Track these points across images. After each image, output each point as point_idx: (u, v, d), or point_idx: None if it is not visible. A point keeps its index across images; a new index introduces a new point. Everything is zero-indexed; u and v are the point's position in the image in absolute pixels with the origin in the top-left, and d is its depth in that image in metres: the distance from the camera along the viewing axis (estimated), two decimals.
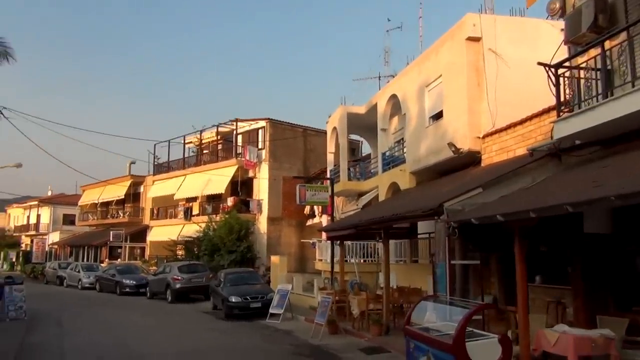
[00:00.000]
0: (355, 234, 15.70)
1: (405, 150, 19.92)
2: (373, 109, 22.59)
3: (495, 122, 14.25)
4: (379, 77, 26.87)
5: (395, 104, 20.75)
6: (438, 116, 16.74)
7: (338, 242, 18.21)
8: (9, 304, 17.07)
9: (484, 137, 14.44)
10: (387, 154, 21.52)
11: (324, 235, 25.02)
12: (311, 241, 25.84)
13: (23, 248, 59.63)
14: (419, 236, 18.39)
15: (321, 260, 23.84)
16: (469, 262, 10.12)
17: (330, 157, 26.14)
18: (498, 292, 12.40)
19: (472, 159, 14.89)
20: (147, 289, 26.03)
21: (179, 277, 23.53)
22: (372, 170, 24.97)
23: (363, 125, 25.17)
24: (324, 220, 26.98)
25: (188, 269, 24.35)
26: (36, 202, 60.91)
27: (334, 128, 24.98)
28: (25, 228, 62.45)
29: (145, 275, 28.77)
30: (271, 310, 17.05)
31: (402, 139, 21.96)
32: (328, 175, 24.40)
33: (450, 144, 14.76)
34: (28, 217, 63.34)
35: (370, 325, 13.62)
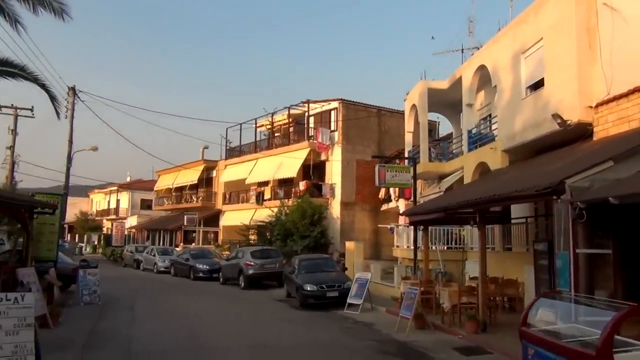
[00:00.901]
0: (443, 218, 14.12)
1: (495, 126, 18.01)
2: (457, 83, 20.74)
3: (611, 88, 12.20)
4: (462, 49, 24.82)
5: (483, 76, 18.82)
6: (537, 85, 14.79)
7: (421, 227, 16.67)
8: (83, 288, 16.84)
9: (596, 106, 12.43)
10: (474, 131, 19.64)
11: (401, 220, 23.53)
12: (389, 226, 24.38)
13: (104, 232, 61.81)
14: (512, 221, 16.56)
15: (399, 246, 22.36)
16: (599, 252, 8.36)
17: (408, 137, 24.49)
18: (617, 286, 10.53)
19: (581, 132, 12.90)
20: (220, 274, 25.57)
21: (252, 263, 22.81)
22: (454, 151, 23.14)
23: (444, 102, 23.35)
24: (401, 204, 25.44)
25: (261, 255, 23.59)
26: (116, 188, 62.94)
27: (413, 105, 23.28)
28: (106, 212, 64.79)
29: (218, 260, 28.38)
30: (349, 300, 15.84)
31: (490, 114, 20.03)
32: (406, 159, 22.77)
33: (556, 116, 12.82)
34: (108, 202, 65.68)
35: (463, 320, 12.11)
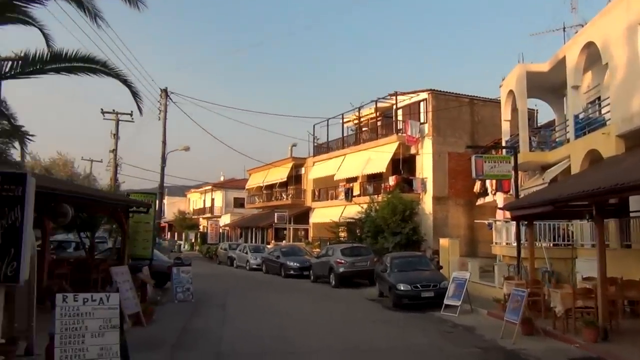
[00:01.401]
0: (550, 212, 12.73)
1: (607, 109, 16.20)
2: (560, 64, 18.97)
3: None
4: (564, 27, 22.77)
5: (591, 54, 17.02)
6: None
7: (525, 222, 15.27)
8: (177, 285, 17.03)
9: None
10: (581, 116, 17.83)
11: (499, 214, 21.99)
12: (487, 222, 22.91)
13: (201, 230, 64.07)
14: (631, 214, 14.77)
15: (498, 243, 20.88)
16: None
17: (505, 126, 22.88)
18: None
19: None
20: (311, 271, 25.28)
21: (342, 261, 22.26)
22: (557, 139, 21.27)
23: (545, 86, 21.54)
24: (499, 198, 23.81)
25: (351, 252, 22.99)
26: (210, 187, 65.08)
27: (510, 92, 21.66)
28: (201, 211, 67.22)
29: (309, 258, 28.14)
30: (446, 301, 14.82)
31: (599, 97, 18.12)
32: (504, 148, 21.21)
33: None
34: (204, 201, 68.09)
35: (579, 326, 10.78)
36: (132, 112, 37.26)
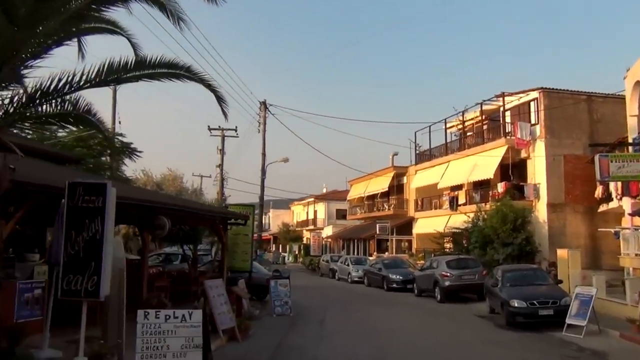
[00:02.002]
0: None
1: None
2: None
3: None
4: None
5: None
6: None
7: None
8: (275, 299, 16.67)
9: None
10: None
11: (627, 221, 19.55)
12: (613, 230, 20.47)
13: (304, 242, 64.54)
14: None
15: (627, 254, 18.49)
16: None
17: (631, 122, 20.35)
18: None
19: None
20: (414, 285, 24.04)
21: (448, 274, 20.86)
22: None
23: None
24: (626, 203, 21.21)
25: (457, 264, 21.52)
26: (312, 199, 65.47)
27: (637, 83, 19.25)
28: (305, 223, 67.73)
29: (412, 270, 26.88)
30: (569, 321, 13.10)
31: None
32: (632, 145, 18.81)
33: None
34: (307, 213, 68.61)
35: None
36: (236, 127, 38.35)
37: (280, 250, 68.34)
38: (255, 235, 31.21)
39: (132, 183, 24.13)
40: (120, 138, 22.90)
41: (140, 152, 24.79)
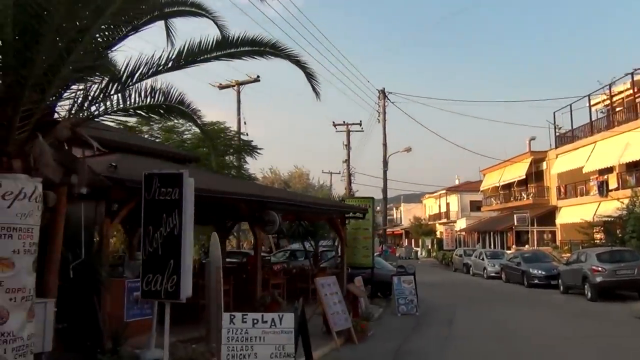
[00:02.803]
0: None
1: None
2: None
3: None
4: None
5: None
6: None
7: None
8: (398, 297, 15.50)
9: None
10: None
11: None
12: None
13: (437, 235, 62.23)
14: None
15: None
16: None
17: None
18: None
19: None
20: (559, 280, 21.42)
21: (600, 268, 18.15)
22: None
23: None
24: None
25: (611, 257, 18.67)
26: (444, 192, 62.92)
27: None
28: (437, 216, 65.36)
29: (556, 264, 24.09)
30: None
31: None
32: None
33: None
34: (439, 206, 66.16)
35: None
36: (360, 121, 37.75)
37: (413, 245, 66.55)
38: (379, 229, 30.27)
39: (255, 180, 24.28)
40: (240, 136, 23.13)
41: (260, 149, 25.00)
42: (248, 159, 23.70)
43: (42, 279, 8.02)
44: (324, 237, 19.79)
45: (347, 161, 40.00)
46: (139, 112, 7.82)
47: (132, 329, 9.34)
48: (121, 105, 7.33)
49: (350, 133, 39.09)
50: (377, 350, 10.40)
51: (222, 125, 22.78)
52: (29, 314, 5.68)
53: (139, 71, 6.97)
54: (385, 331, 12.44)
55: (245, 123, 33.04)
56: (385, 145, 26.83)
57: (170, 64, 6.80)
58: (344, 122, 39.31)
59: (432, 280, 26.26)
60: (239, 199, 11.62)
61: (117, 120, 7.36)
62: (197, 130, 23.34)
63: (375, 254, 25.62)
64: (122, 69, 6.99)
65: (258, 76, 32.37)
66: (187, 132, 22.87)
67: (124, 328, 8.09)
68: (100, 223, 9.13)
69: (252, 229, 12.60)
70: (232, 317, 6.05)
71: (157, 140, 21.89)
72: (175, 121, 22.91)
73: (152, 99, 7.96)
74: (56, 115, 6.86)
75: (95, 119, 6.93)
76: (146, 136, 22.27)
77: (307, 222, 18.24)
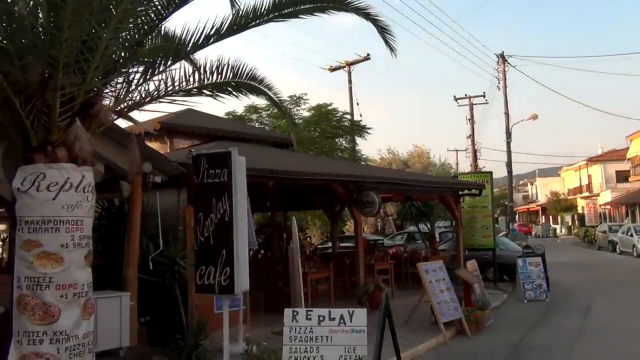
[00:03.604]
0: None
1: None
2: None
3: None
4: None
5: None
6: None
7: None
8: (524, 281, 13.80)
9: None
10: None
11: None
12: None
13: (579, 211, 56.96)
14: None
15: None
16: None
17: None
18: None
19: None
20: None
21: None
22: None
23: None
24: None
25: None
26: (585, 162, 57.39)
27: None
28: (577, 190, 59.85)
29: None
30: None
31: None
32: None
33: None
34: (579, 178, 60.50)
35: None
36: (484, 93, 35.22)
37: (551, 222, 61.62)
38: (506, 206, 27.76)
39: (368, 162, 23.42)
40: (348, 116, 22.35)
41: (369, 128, 24.04)
42: (363, 140, 22.95)
43: (120, 272, 7.92)
44: (440, 217, 18.41)
45: (472, 136, 37.68)
46: (203, 91, 7.30)
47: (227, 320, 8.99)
48: (178, 85, 6.85)
49: (474, 106, 36.87)
50: (492, 343, 9.08)
51: (329, 107, 22.12)
52: (85, 311, 5.32)
53: (194, 39, 6.40)
54: (506, 321, 10.99)
55: (358, 104, 32.29)
56: (507, 114, 24.50)
57: (225, 30, 6.11)
58: (465, 95, 37.08)
59: (571, 260, 23.64)
60: (333, 180, 10.83)
61: (178, 102, 6.80)
62: (305, 114, 23.12)
63: (501, 234, 23.71)
64: (177, 38, 6.46)
65: (368, 54, 31.35)
66: (295, 117, 22.57)
67: (206, 320, 7.69)
68: (182, 212, 8.89)
69: (350, 211, 11.76)
70: (294, 313, 5.25)
71: (265, 127, 21.85)
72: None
73: (220, 76, 7.42)
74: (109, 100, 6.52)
75: (148, 103, 6.47)
76: (256, 124, 22.34)
77: (420, 202, 17.05)
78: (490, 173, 16.20)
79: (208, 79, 7.25)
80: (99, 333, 6.80)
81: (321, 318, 5.17)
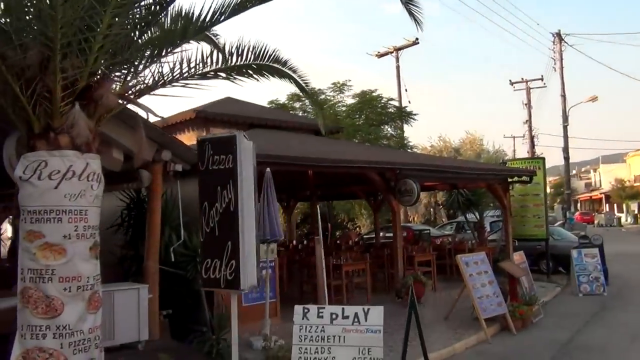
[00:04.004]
0: None
1: None
2: None
3: None
4: None
5: None
6: None
7: None
8: (579, 274, 12.86)
9: None
10: None
11: None
12: None
13: None
14: None
15: None
16: None
17: None
18: None
19: None
20: None
21: None
22: None
23: None
24: None
25: None
26: None
27: None
28: None
29: None
30: None
31: None
32: None
33: None
34: None
35: None
36: (542, 76, 33.64)
37: (615, 211, 58.52)
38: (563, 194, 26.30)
39: (414, 150, 22.67)
40: (393, 102, 21.65)
41: (415, 114, 23.24)
42: (412, 128, 22.29)
43: (141, 264, 7.73)
44: (490, 206, 17.52)
45: (529, 122, 36.18)
46: (220, 74, 6.96)
47: (254, 313, 8.72)
48: (194, 67, 6.54)
49: (531, 90, 35.34)
50: (538, 342, 8.39)
51: (374, 93, 21.49)
52: (91, 304, 5.11)
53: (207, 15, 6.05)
54: (557, 317, 10.21)
55: (406, 90, 31.42)
56: (563, 96, 23.07)
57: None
58: (522, 78, 35.58)
59: (636, 251, 22.12)
60: (367, 167, 10.34)
61: (192, 86, 6.48)
62: (351, 101, 22.56)
63: (557, 224, 22.49)
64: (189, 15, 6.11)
65: (417, 39, 30.46)
66: (339, 104, 22.10)
67: (227, 316, 7.41)
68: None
69: (387, 200, 11.22)
70: (305, 310, 4.85)
71: (310, 116, 21.46)
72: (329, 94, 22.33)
73: (240, 58, 7.07)
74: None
75: (159, 87, 6.17)
76: (300, 113, 21.98)
77: (467, 191, 16.27)
78: (543, 159, 15.20)
79: (227, 61, 6.92)
80: (115, 326, 6.65)
81: (334, 316, 4.75)
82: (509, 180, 14.07)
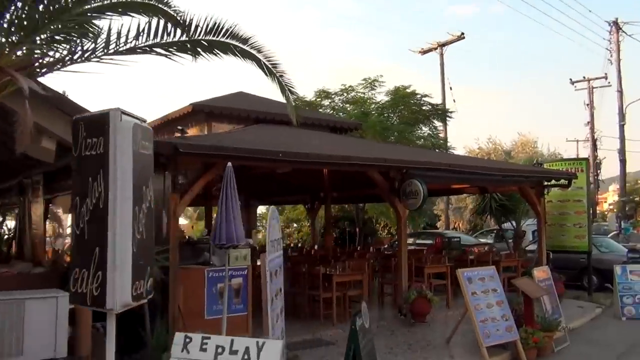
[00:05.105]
0: None
1: None
2: None
3: None
4: None
5: None
6: None
7: None
8: (622, 293, 11.06)
9: None
10: None
11: None
12: None
13: None
14: None
15: None
16: None
17: None
18: None
19: None
20: None
21: None
22: None
23: None
24: None
25: None
26: None
27: None
28: None
29: None
30: None
31: None
32: None
33: None
34: None
35: None
36: (606, 74, 31.08)
37: None
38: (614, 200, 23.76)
39: (446, 150, 21.06)
40: (427, 99, 20.13)
41: (451, 112, 21.61)
42: (459, 129, 20.74)
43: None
44: (525, 213, 15.75)
45: (591, 123, 33.61)
46: (155, 49, 5.96)
47: (219, 328, 7.65)
48: (123, 41, 5.58)
49: (594, 90, 32.84)
50: None
51: (407, 90, 20.06)
52: None
53: None
54: (587, 345, 8.59)
55: (451, 88, 29.74)
56: (620, 92, 20.73)
57: None
58: (584, 77, 33.08)
59: None
60: (366, 165, 9.09)
61: (117, 62, 5.51)
62: (382, 99, 21.19)
63: (610, 234, 20.21)
64: None
65: (462, 33, 28.78)
66: (369, 101, 20.80)
67: (171, 332, 6.39)
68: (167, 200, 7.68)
69: (390, 203, 9.93)
70: (187, 340, 3.72)
71: (341, 114, 20.28)
72: (360, 91, 21.08)
73: (186, 33, 6.10)
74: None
75: (69, 64, 5.23)
76: (328, 111, 20.85)
77: (501, 195, 14.64)
78: (586, 159, 13.39)
79: (170, 35, 5.96)
80: (25, 340, 5.74)
81: (219, 350, 3.59)
82: (546, 183, 12.42)
